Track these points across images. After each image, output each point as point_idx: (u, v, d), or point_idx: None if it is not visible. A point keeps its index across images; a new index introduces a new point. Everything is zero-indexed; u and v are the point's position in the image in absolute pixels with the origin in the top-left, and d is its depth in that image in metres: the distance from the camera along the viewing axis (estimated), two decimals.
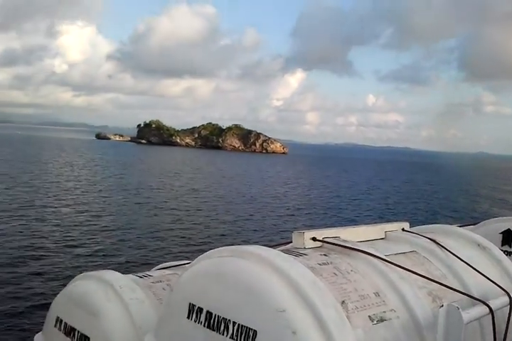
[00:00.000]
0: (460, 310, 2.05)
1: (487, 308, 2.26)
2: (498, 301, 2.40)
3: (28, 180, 44.06)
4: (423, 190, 63.87)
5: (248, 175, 72.22)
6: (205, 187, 50.10)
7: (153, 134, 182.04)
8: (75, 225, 26.09)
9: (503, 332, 2.43)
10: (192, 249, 21.69)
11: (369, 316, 2.13)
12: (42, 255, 19.62)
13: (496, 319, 2.30)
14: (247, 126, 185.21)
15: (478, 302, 2.34)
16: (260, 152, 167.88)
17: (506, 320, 2.43)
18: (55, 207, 31.17)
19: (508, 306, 2.43)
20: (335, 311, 1.98)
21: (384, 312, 2.19)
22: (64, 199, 34.82)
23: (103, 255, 20.48)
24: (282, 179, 69.25)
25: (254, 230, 28.72)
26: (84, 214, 29.81)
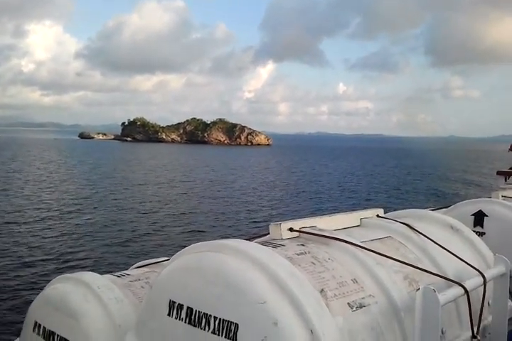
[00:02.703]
0: (436, 292, 2.09)
1: (462, 289, 2.32)
2: (473, 282, 2.45)
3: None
4: (396, 175, 64.77)
5: (235, 168, 72.60)
6: (187, 182, 50.07)
7: (139, 131, 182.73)
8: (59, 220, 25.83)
9: (479, 312, 2.49)
10: (171, 245, 21.58)
11: (348, 303, 2.16)
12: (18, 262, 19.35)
13: (471, 299, 2.35)
14: (218, 118, 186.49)
15: (453, 283, 2.39)
16: (245, 144, 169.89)
17: (481, 299, 2.50)
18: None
19: (482, 286, 2.49)
20: (314, 300, 2.00)
21: (362, 298, 2.23)
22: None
23: (79, 256, 20.24)
24: (268, 170, 70.13)
25: (236, 222, 28.68)
26: (65, 210, 29.60)
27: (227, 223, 28.47)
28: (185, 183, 49.45)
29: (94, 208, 32.17)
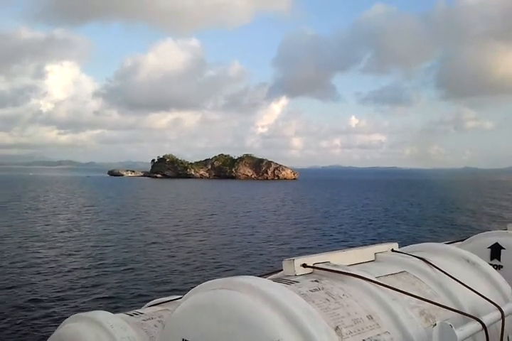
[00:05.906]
0: (453, 327, 2.05)
1: (480, 324, 2.26)
2: (490, 316, 2.40)
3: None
4: (411, 208, 64.14)
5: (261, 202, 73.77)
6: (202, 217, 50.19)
7: (168, 168, 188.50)
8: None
9: None
10: (185, 282, 21.36)
11: (363, 340, 2.12)
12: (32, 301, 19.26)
13: (489, 334, 2.30)
14: (232, 153, 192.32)
15: (470, 318, 2.35)
16: (272, 179, 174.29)
17: (500, 334, 2.44)
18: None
19: (501, 320, 2.44)
20: (329, 337, 1.97)
21: (378, 335, 2.18)
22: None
23: (91, 294, 20.08)
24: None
25: (250, 258, 28.42)
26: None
27: (241, 259, 28.20)
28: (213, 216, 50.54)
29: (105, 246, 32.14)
